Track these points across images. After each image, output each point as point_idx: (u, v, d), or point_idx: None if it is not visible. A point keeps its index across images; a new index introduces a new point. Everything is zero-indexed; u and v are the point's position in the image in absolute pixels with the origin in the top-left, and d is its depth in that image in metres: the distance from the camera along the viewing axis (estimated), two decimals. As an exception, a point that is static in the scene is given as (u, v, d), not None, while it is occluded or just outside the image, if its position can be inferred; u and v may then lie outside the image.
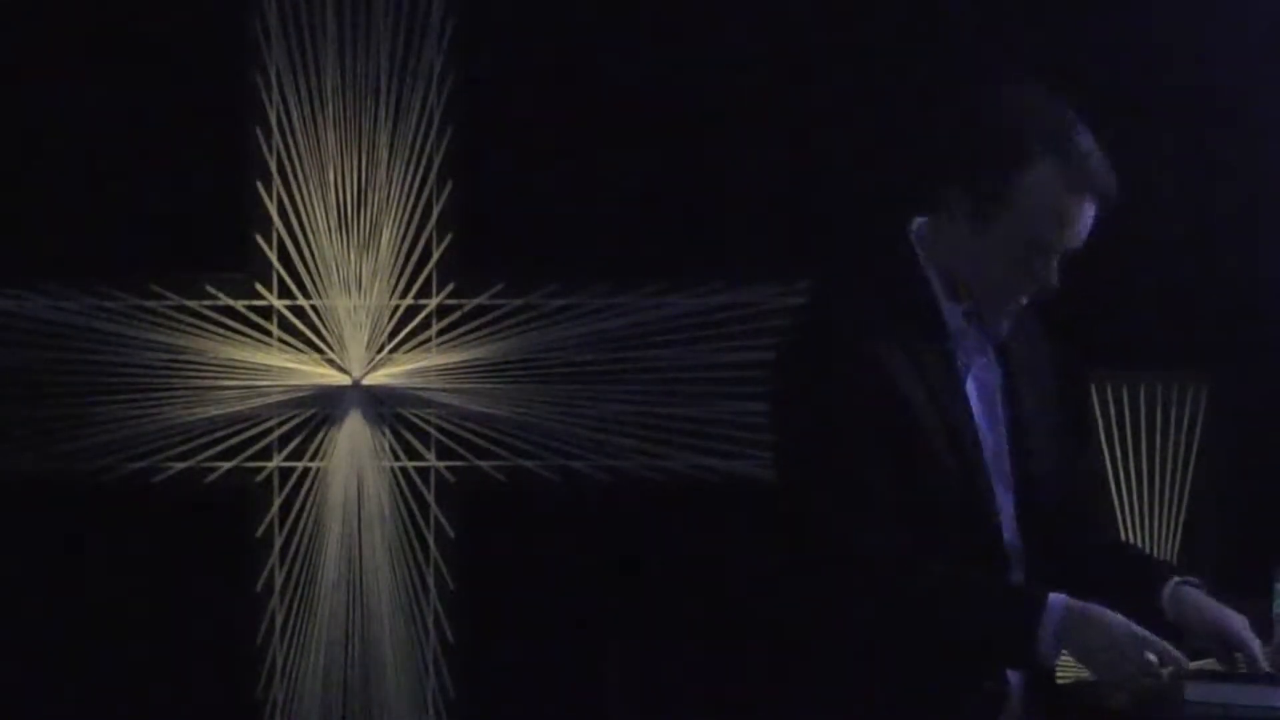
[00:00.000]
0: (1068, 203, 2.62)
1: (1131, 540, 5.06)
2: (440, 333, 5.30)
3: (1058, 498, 2.82)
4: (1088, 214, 2.65)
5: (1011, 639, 2.54)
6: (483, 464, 5.28)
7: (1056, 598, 2.51)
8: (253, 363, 5.28)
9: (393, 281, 5.30)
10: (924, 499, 2.61)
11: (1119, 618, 2.55)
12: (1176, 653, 2.55)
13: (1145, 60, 5.07)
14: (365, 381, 5.29)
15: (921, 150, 2.79)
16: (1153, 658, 2.51)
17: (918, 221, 2.75)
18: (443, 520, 5.28)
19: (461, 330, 5.30)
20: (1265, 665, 2.67)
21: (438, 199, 5.30)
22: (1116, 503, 5.12)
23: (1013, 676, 2.72)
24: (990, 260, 2.66)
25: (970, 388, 2.71)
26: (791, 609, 2.71)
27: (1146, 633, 2.54)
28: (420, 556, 5.28)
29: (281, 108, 5.27)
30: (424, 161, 5.29)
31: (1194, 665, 2.64)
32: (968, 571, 2.62)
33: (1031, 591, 2.57)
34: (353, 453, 5.30)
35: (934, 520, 2.61)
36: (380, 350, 5.30)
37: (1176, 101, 5.08)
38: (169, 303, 5.25)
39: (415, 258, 5.29)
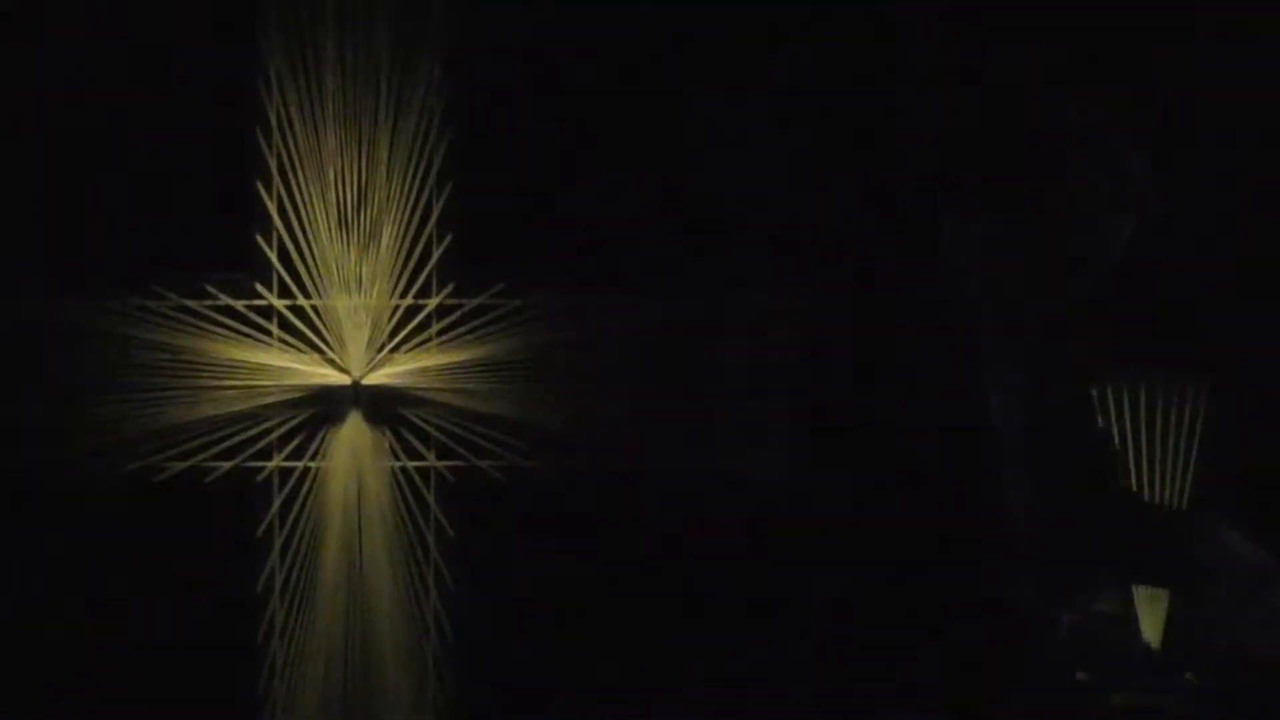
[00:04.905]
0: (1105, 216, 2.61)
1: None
2: (440, 333, 5.30)
3: (1079, 479, 2.83)
4: (1124, 228, 2.63)
5: None
6: (483, 464, 5.28)
7: None
8: (253, 363, 5.28)
9: (393, 281, 5.30)
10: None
11: None
12: None
13: (1147, 61, 5.06)
14: (365, 381, 5.30)
15: (956, 151, 2.78)
16: None
17: (948, 222, 2.73)
18: (443, 520, 5.28)
19: (461, 330, 5.30)
20: None
21: (438, 199, 5.29)
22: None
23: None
24: (1022, 267, 2.65)
25: (996, 400, 2.71)
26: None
27: None
28: (420, 556, 5.28)
29: (281, 108, 5.27)
30: (424, 161, 5.29)
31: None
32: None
33: None
34: (353, 453, 5.30)
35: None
36: (380, 350, 5.30)
37: (1178, 103, 5.08)
38: (169, 303, 5.26)
39: (415, 258, 5.30)
